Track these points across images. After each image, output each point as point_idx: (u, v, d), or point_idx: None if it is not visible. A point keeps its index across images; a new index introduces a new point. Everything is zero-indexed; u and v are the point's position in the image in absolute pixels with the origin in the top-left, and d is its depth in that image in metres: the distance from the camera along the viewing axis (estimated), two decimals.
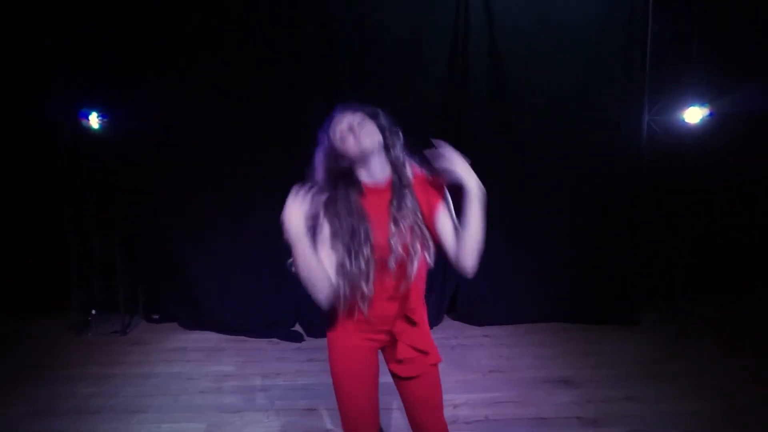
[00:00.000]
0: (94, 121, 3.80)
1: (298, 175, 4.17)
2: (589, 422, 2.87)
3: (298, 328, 4.29)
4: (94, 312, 4.24)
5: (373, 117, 1.72)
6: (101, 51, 3.90)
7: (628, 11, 4.06)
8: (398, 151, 1.74)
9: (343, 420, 1.84)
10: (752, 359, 3.59)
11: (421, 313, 1.80)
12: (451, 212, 1.76)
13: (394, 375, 1.82)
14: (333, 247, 1.68)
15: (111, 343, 4.01)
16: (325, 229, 1.69)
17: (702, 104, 4.02)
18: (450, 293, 4.39)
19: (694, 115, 4.04)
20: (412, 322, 1.76)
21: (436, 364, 1.80)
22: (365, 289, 1.67)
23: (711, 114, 4.03)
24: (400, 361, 1.76)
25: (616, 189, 4.27)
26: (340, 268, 1.66)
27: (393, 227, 1.68)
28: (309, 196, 1.60)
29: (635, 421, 2.86)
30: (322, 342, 3.91)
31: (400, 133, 1.76)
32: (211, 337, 4.13)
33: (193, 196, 4.14)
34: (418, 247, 1.70)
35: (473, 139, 4.14)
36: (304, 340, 4.08)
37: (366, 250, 1.65)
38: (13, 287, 4.46)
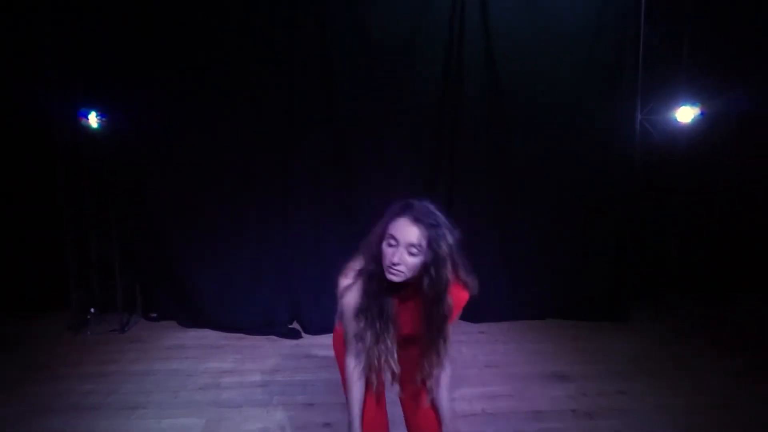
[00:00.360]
0: (93, 120, 3.82)
1: (292, 176, 4.23)
2: (584, 415, 2.92)
3: (296, 325, 4.32)
4: (92, 311, 4.26)
5: (430, 248, 1.63)
6: (100, 51, 3.93)
7: (621, 12, 4.13)
8: (441, 274, 1.65)
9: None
10: (741, 356, 3.66)
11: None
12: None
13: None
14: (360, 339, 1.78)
15: (109, 342, 4.02)
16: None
17: (693, 104, 4.08)
18: None
19: (685, 114, 4.11)
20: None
21: None
22: (393, 366, 1.77)
23: (702, 113, 4.09)
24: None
25: (608, 188, 4.33)
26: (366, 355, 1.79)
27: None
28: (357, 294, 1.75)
29: (628, 414, 2.91)
30: (319, 339, 4.01)
31: (448, 259, 1.67)
32: (209, 335, 4.15)
33: (191, 195, 4.17)
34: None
35: (468, 139, 4.21)
36: (302, 338, 4.11)
37: (389, 335, 1.76)
38: (12, 286, 4.47)
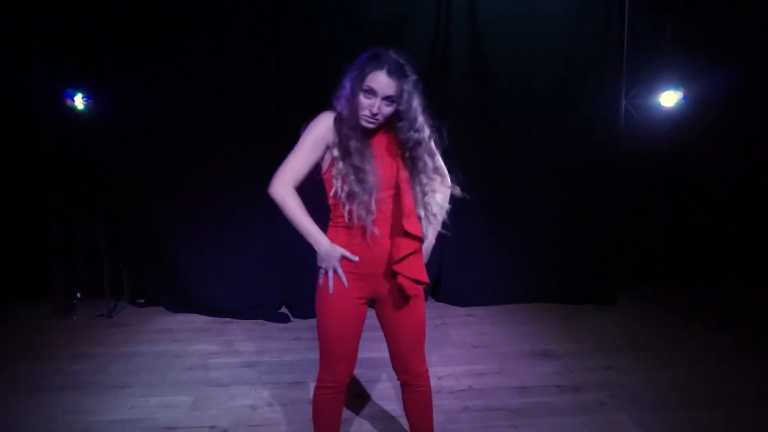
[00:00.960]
0: (79, 101, 3.78)
1: (281, 157, 4.22)
2: (570, 389, 2.95)
3: (284, 309, 4.32)
4: (79, 295, 4.23)
5: (404, 98, 1.75)
6: (86, 32, 3.87)
7: None
8: (416, 117, 1.79)
9: (328, 355, 1.93)
10: (725, 334, 3.74)
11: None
12: None
13: (387, 305, 1.92)
14: (338, 171, 1.78)
15: (96, 326, 3.99)
16: (335, 153, 1.80)
17: (677, 88, 4.13)
18: (434, 276, 4.45)
19: (669, 99, 4.16)
20: (412, 247, 1.83)
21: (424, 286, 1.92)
22: (371, 208, 1.76)
23: (685, 97, 4.15)
24: (407, 297, 1.88)
25: (595, 173, 4.36)
26: (348, 191, 1.76)
27: (395, 162, 1.84)
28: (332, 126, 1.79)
29: (615, 388, 2.95)
30: (307, 323, 4.02)
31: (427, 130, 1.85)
32: (197, 319, 4.13)
33: (178, 180, 4.13)
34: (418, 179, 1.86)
35: (455, 124, 4.18)
36: (290, 321, 4.12)
37: (370, 180, 1.75)
38: None
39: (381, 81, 1.71)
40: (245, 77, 4.05)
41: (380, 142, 1.85)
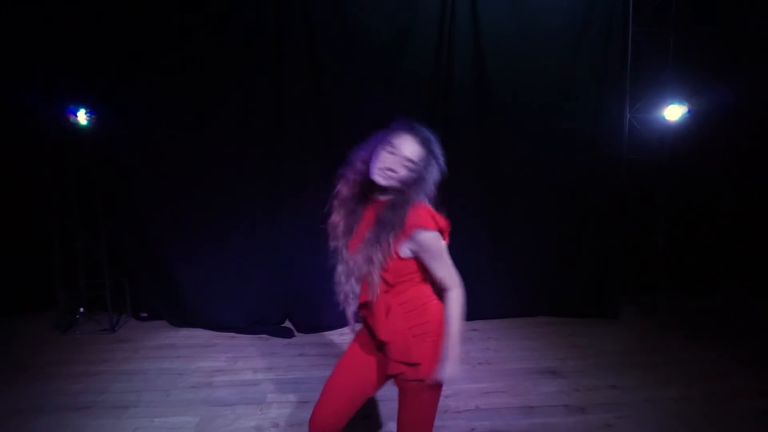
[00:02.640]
0: (82, 117, 3.77)
1: (281, 174, 4.21)
2: (576, 410, 2.95)
3: (288, 324, 4.31)
4: (82, 310, 4.21)
5: (424, 164, 1.74)
6: (87, 48, 3.86)
7: (608, 11, 4.17)
8: (413, 193, 1.73)
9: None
10: (727, 348, 3.74)
11: (393, 330, 1.78)
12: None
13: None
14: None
15: (98, 341, 3.97)
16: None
17: (681, 102, 4.14)
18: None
19: (673, 112, 4.16)
20: (379, 342, 1.80)
21: (421, 380, 1.78)
22: (352, 286, 1.79)
23: (689, 111, 4.15)
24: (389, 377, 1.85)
25: (597, 186, 4.38)
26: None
27: (364, 238, 1.75)
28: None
29: (620, 408, 2.96)
30: (311, 338, 4.01)
31: (431, 180, 1.77)
32: (200, 334, 4.12)
33: (179, 194, 4.13)
34: (377, 262, 1.71)
35: (458, 138, 4.21)
36: (294, 336, 4.10)
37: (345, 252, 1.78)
38: None
39: (407, 141, 1.72)
40: (245, 93, 4.04)
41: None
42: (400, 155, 1.70)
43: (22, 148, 4.18)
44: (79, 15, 3.84)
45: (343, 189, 1.84)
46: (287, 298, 4.29)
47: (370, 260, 1.71)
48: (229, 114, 4.06)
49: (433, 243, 1.71)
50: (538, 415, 2.91)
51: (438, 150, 1.77)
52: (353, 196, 1.83)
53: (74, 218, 4.13)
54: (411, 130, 1.74)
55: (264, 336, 4.09)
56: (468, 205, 4.29)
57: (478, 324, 4.30)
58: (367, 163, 1.76)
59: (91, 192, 4.15)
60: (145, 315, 4.39)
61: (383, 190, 1.75)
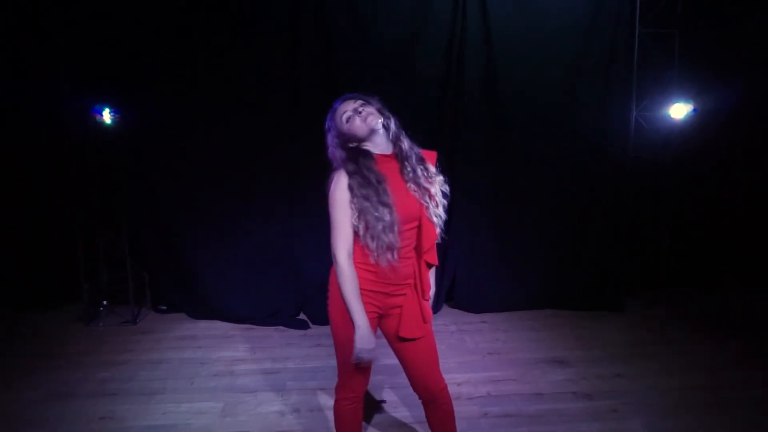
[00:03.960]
0: (107, 116, 3.91)
1: (297, 168, 4.33)
2: (584, 396, 3.08)
3: (302, 316, 4.45)
4: (105, 303, 4.36)
5: (370, 101, 1.97)
6: (113, 52, 4.00)
7: (615, 11, 4.27)
8: (395, 128, 1.96)
9: (348, 371, 2.04)
10: (731, 341, 3.85)
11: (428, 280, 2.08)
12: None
13: (396, 338, 2.02)
14: (361, 208, 1.84)
15: (121, 333, 4.12)
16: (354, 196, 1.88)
17: (686, 101, 4.24)
18: (448, 284, 4.58)
19: (679, 111, 4.26)
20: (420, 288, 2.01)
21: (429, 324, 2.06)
22: (392, 239, 1.83)
23: (695, 110, 4.25)
24: (403, 339, 1.99)
25: (603, 182, 4.48)
26: (367, 225, 1.83)
27: (409, 188, 1.94)
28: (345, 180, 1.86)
29: (626, 395, 3.08)
30: (326, 329, 4.13)
31: (392, 116, 1.99)
32: (219, 326, 4.26)
33: (197, 192, 4.26)
34: (432, 207, 1.96)
35: (467, 136, 4.33)
36: (309, 328, 4.24)
37: (388, 201, 1.83)
38: (24, 280, 4.55)
39: (346, 103, 1.95)
40: (263, 93, 4.16)
41: (393, 178, 1.92)
42: (351, 110, 1.92)
43: (47, 147, 4.33)
44: (104, 17, 3.97)
45: (348, 174, 1.90)
46: (302, 291, 4.42)
47: (429, 196, 1.95)
48: (247, 111, 4.18)
49: None
50: (547, 401, 3.04)
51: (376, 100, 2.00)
52: (361, 166, 1.89)
53: (97, 215, 4.28)
54: (337, 100, 2.00)
55: (280, 327, 4.23)
56: (476, 200, 4.40)
57: (486, 316, 4.43)
58: (350, 141, 1.95)
59: (113, 189, 4.30)
60: (164, 308, 4.53)
61: (372, 143, 1.95)
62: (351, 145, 1.94)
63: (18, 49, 4.10)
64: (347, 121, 1.91)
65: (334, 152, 1.96)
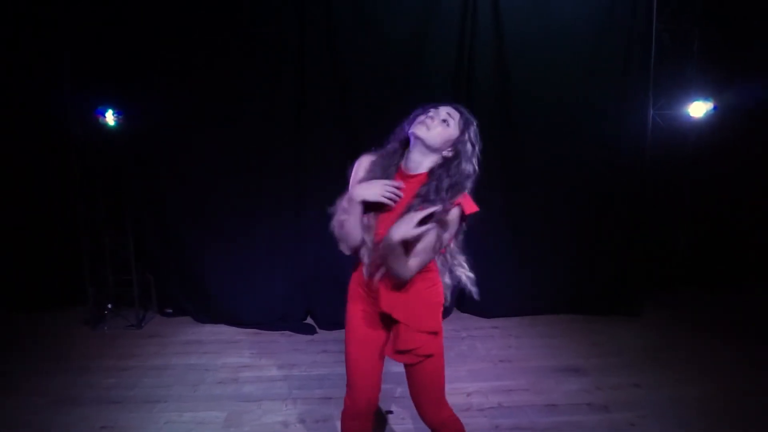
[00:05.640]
0: (110, 117, 3.85)
1: (305, 171, 4.25)
2: (600, 408, 2.96)
3: (309, 321, 4.37)
4: (110, 306, 4.32)
5: (461, 129, 1.74)
6: (114, 52, 3.95)
7: (631, 7, 4.13)
8: (454, 169, 1.73)
9: (347, 378, 1.96)
10: (751, 347, 3.72)
11: (407, 312, 1.78)
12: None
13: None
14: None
15: (126, 337, 4.07)
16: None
17: (706, 99, 4.10)
18: (458, 288, 4.46)
19: (698, 109, 4.12)
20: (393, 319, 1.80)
21: (429, 356, 1.81)
22: (367, 239, 1.77)
23: (715, 108, 4.11)
24: (400, 351, 1.81)
25: (618, 183, 4.35)
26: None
27: (402, 214, 1.69)
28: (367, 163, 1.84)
29: (643, 406, 2.96)
30: (334, 334, 4.06)
31: (470, 163, 1.76)
32: (224, 330, 4.20)
33: (203, 193, 4.20)
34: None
35: (480, 135, 4.21)
36: (316, 333, 4.16)
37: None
38: (29, 282, 4.51)
39: (445, 107, 1.76)
40: (268, 94, 4.08)
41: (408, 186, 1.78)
42: (438, 115, 1.72)
43: (51, 148, 4.27)
44: (106, 17, 3.91)
45: (375, 158, 1.86)
46: (309, 295, 4.35)
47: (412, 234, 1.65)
48: (253, 111, 4.11)
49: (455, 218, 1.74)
50: (562, 413, 2.93)
51: (474, 130, 1.77)
52: (384, 167, 1.82)
53: (102, 216, 4.23)
54: (441, 104, 1.78)
55: (287, 332, 4.16)
56: (489, 202, 4.26)
57: (498, 322, 4.32)
58: (401, 133, 1.82)
59: (118, 191, 4.24)
60: (170, 311, 4.48)
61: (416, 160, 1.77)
62: (401, 138, 1.84)
63: (21, 49, 4.05)
64: (422, 118, 1.74)
65: (392, 136, 1.88)
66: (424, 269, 1.78)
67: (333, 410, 2.96)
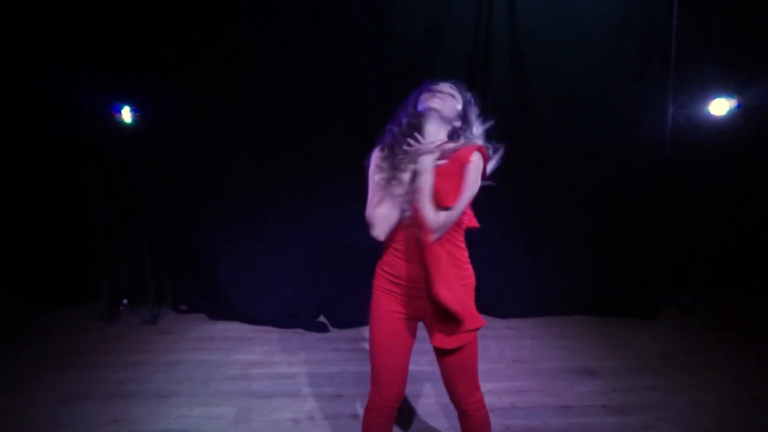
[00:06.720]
0: (126, 115, 3.89)
1: (317, 170, 4.25)
2: (615, 410, 2.90)
3: (322, 319, 4.36)
4: (125, 302, 4.36)
5: (465, 100, 1.95)
6: (131, 50, 3.99)
7: (651, 3, 4.05)
8: (468, 132, 1.96)
9: (373, 374, 1.96)
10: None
11: (451, 282, 1.82)
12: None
13: (431, 331, 1.90)
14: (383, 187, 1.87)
15: (140, 333, 4.10)
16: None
17: (728, 96, 3.99)
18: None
19: (720, 107, 4.02)
20: (434, 301, 1.80)
21: (475, 330, 1.87)
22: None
23: (738, 106, 4.00)
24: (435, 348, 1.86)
25: (637, 181, 4.27)
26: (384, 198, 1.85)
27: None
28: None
29: (659, 410, 2.89)
30: (345, 333, 4.05)
31: (474, 127, 1.97)
32: (237, 328, 4.21)
33: (216, 191, 4.22)
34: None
35: (495, 134, 4.16)
36: (328, 331, 4.15)
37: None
38: (45, 279, 4.59)
39: (444, 84, 1.92)
40: (281, 92, 4.09)
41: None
42: (442, 91, 1.88)
43: (68, 145, 4.33)
44: (123, 16, 3.95)
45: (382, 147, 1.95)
46: (322, 293, 4.34)
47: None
48: (265, 110, 4.12)
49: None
50: (576, 414, 2.87)
51: (471, 99, 1.98)
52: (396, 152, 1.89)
53: (117, 214, 4.28)
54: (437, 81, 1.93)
55: (299, 330, 4.15)
56: (504, 202, 4.24)
57: (512, 322, 4.26)
58: (409, 111, 1.92)
59: (133, 188, 4.28)
60: (184, 308, 4.51)
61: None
62: (410, 117, 1.90)
63: (38, 46, 4.11)
64: (427, 94, 1.89)
65: (398, 117, 1.96)
66: (455, 246, 1.90)
67: (343, 408, 2.94)
